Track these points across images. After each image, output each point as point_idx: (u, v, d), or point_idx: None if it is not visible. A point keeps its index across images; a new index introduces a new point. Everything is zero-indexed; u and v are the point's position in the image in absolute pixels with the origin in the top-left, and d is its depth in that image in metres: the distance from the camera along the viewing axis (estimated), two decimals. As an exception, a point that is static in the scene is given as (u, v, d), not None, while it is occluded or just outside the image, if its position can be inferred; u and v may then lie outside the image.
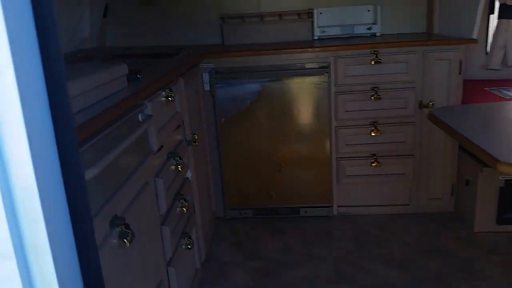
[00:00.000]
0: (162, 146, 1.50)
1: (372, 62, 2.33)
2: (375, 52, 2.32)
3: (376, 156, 2.45)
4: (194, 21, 2.87)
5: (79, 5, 2.33)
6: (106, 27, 2.81)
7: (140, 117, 1.26)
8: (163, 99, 1.56)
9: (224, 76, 2.36)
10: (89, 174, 0.87)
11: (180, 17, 2.86)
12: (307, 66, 2.37)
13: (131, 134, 1.14)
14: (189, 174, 1.88)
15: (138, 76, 1.38)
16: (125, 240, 1.00)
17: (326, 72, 2.34)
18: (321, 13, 2.80)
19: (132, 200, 1.19)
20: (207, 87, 2.38)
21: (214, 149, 2.45)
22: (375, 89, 2.36)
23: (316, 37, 2.79)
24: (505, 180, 2.18)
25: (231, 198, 2.51)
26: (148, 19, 2.86)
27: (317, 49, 2.36)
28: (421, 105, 2.39)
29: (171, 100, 1.59)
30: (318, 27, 2.79)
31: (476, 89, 2.52)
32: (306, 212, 2.51)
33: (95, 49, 2.61)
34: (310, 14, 2.79)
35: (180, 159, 1.63)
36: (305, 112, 2.39)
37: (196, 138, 1.94)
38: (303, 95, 2.37)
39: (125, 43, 2.88)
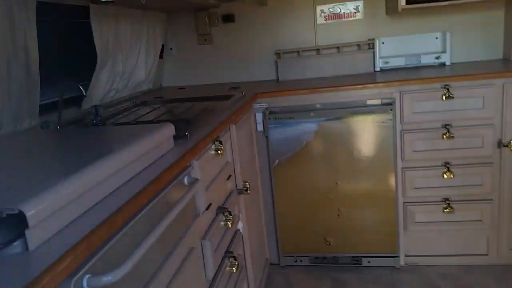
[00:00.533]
0: (210, 204, 1.41)
1: (443, 97, 2.11)
2: (446, 86, 2.10)
3: (449, 201, 2.20)
4: (250, 57, 2.81)
5: (135, 51, 2.35)
6: (162, 68, 2.83)
7: (186, 181, 1.18)
8: (213, 152, 1.48)
9: (278, 116, 2.25)
10: (134, 257, 0.79)
11: (236, 54, 2.82)
12: (369, 102, 2.19)
13: (177, 203, 1.05)
14: (240, 226, 1.77)
15: (186, 133, 1.31)
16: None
17: (391, 109, 2.15)
18: (383, 43, 2.63)
19: (176, 270, 1.10)
20: (260, 128, 2.28)
21: (267, 193, 2.33)
22: (447, 126, 2.13)
23: (378, 69, 2.61)
24: None
25: (286, 244, 2.37)
26: (204, 57, 2.85)
27: (380, 84, 2.18)
28: (501, 144, 2.12)
29: (221, 152, 1.50)
30: (381, 57, 2.62)
31: None
32: (369, 262, 2.30)
33: (151, 91, 2.62)
34: (371, 44, 2.63)
35: (230, 214, 1.53)
36: (367, 153, 2.20)
37: (248, 186, 1.84)
38: (365, 135, 2.19)
39: (181, 82, 2.88)
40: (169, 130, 1.19)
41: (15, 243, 0.63)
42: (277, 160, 2.28)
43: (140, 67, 2.43)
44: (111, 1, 1.58)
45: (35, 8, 1.51)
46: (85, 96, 1.52)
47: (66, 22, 1.91)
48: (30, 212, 0.62)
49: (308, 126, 2.23)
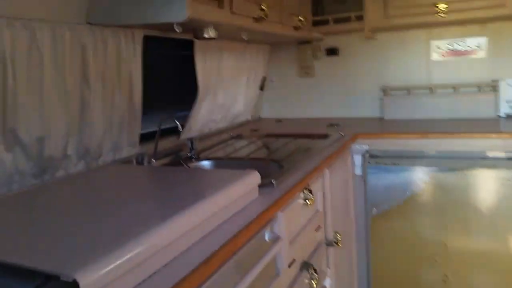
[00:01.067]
0: (293, 260, 1.28)
1: None
2: None
3: None
4: (352, 93, 2.66)
5: (237, 83, 2.35)
6: (261, 99, 2.80)
7: (267, 237, 1.07)
8: (301, 202, 1.35)
9: (380, 161, 2.05)
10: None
11: (338, 88, 2.69)
12: (490, 154, 1.89)
13: (253, 267, 0.95)
14: (327, 283, 1.60)
15: (273, 181, 1.21)
16: None
17: (517, 165, 1.83)
18: (509, 85, 2.29)
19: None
20: (358, 171, 2.09)
21: (362, 247, 2.11)
22: None
23: (502, 115, 2.27)
24: None
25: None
26: (304, 90, 2.77)
27: (505, 134, 1.87)
28: None
29: (310, 202, 1.37)
30: (506, 102, 2.28)
31: None
32: None
33: (248, 122, 2.60)
34: (495, 86, 2.30)
35: (315, 272, 1.37)
36: (485, 211, 1.89)
37: (339, 237, 1.66)
38: (484, 192, 1.88)
39: (279, 114, 2.82)
40: (254, 178, 1.09)
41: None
42: (375, 210, 2.07)
43: (240, 98, 2.42)
44: (213, 38, 1.57)
45: (141, 42, 1.55)
46: (183, 129, 1.52)
47: (169, 54, 1.97)
48: (85, 282, 0.56)
49: (415, 175, 1.99)
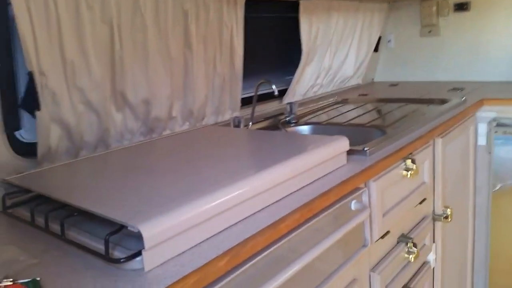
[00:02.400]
0: (387, 232, 1.21)
1: None
2: None
3: None
4: (483, 54, 2.33)
5: (346, 44, 2.23)
6: (376, 61, 2.63)
7: (352, 206, 1.02)
8: (402, 172, 1.26)
9: (510, 130, 1.78)
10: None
11: (466, 49, 2.38)
12: None
13: (334, 230, 0.93)
14: (431, 258, 1.49)
15: (366, 149, 1.14)
16: None
17: None
18: None
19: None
20: (482, 141, 1.86)
21: (480, 224, 1.90)
22: None
23: None
24: None
25: (498, 290, 1.90)
26: (426, 51, 2.51)
27: None
28: None
29: (411, 173, 1.26)
30: None
31: None
32: None
33: (359, 86, 2.47)
34: None
35: (415, 246, 1.28)
36: None
37: (450, 212, 1.52)
38: None
39: (396, 77, 2.62)
40: (342, 144, 1.04)
41: (137, 259, 0.62)
42: (499, 185, 1.83)
43: (349, 61, 2.30)
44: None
45: (243, 6, 1.56)
46: (277, 93, 1.51)
47: (273, 17, 1.94)
48: (148, 234, 0.61)
49: (552, 148, 1.69)
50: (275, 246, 0.77)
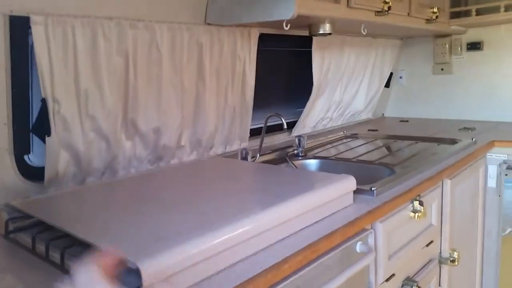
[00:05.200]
0: (392, 275, 1.18)
1: None
2: None
3: None
4: (496, 93, 2.33)
5: (358, 79, 2.25)
6: (387, 97, 2.64)
7: (358, 248, 1.00)
8: (410, 213, 1.24)
9: (521, 174, 1.75)
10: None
11: (478, 88, 2.38)
12: None
13: (338, 274, 0.91)
14: (437, 303, 1.45)
15: (373, 189, 1.13)
16: None
17: None
18: None
19: None
20: (491, 184, 1.83)
21: (489, 269, 1.85)
22: None
23: None
24: None
25: None
26: (437, 88, 2.51)
27: None
28: None
29: (419, 215, 1.24)
30: None
31: None
32: None
33: (370, 120, 2.47)
34: None
35: (420, 290, 1.25)
36: None
37: (457, 256, 1.48)
38: None
39: (406, 113, 2.62)
40: (349, 184, 1.03)
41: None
42: (509, 229, 1.79)
43: (360, 96, 2.31)
44: (329, 34, 1.52)
45: (257, 39, 1.59)
46: (285, 127, 1.52)
47: (286, 50, 1.97)
48: (147, 271, 0.60)
49: None
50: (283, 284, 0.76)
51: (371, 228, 1.07)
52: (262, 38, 1.62)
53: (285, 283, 0.78)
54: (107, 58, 1.13)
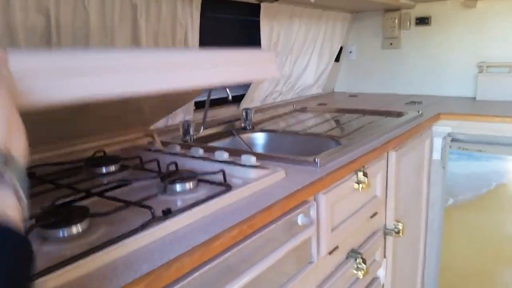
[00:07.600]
0: (336, 247, 1.16)
1: None
2: None
3: None
4: (442, 68, 2.36)
5: (307, 53, 2.20)
6: (337, 72, 2.62)
7: (299, 221, 0.96)
8: (353, 184, 1.22)
9: (464, 146, 1.79)
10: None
11: (426, 62, 2.41)
12: None
13: (278, 247, 0.86)
14: (381, 274, 1.46)
15: (316, 160, 1.09)
16: None
17: None
18: None
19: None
20: (436, 156, 1.86)
21: (432, 239, 1.90)
22: None
23: None
24: None
25: (447, 306, 1.90)
26: (386, 63, 2.52)
27: None
28: None
29: (363, 186, 1.22)
30: None
31: None
32: None
33: (320, 95, 2.45)
34: None
35: (363, 262, 1.24)
36: None
37: (401, 227, 1.49)
38: None
39: (355, 88, 2.62)
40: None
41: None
42: (452, 199, 1.83)
43: (310, 70, 2.27)
44: (276, 0, 1.45)
45: (199, 5, 1.49)
46: (230, 98, 1.45)
47: (233, 19, 1.88)
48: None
49: (502, 165, 1.71)
50: (207, 267, 0.70)
51: (314, 199, 1.04)
52: (207, 4, 1.53)
53: (217, 261, 0.72)
54: (24, 15, 1.00)
